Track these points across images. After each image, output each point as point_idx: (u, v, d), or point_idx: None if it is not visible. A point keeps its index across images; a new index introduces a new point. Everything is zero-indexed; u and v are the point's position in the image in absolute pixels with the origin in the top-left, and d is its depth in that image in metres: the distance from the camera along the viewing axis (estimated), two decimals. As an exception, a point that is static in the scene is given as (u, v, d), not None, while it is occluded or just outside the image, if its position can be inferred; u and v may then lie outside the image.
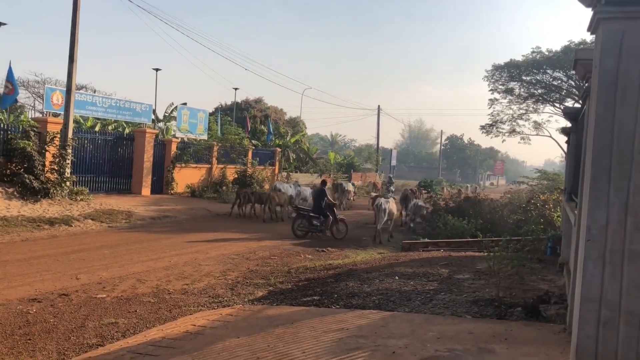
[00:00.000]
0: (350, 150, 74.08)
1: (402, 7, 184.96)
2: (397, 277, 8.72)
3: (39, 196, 15.95)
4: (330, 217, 15.36)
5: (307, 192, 21.45)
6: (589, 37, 28.52)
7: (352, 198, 26.24)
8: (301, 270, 9.99)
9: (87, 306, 7.18)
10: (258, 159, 29.66)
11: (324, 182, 17.10)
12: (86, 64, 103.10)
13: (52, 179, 16.54)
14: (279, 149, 33.35)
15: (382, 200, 16.52)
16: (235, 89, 39.92)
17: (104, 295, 7.76)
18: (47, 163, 16.69)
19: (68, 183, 17.20)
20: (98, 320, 6.60)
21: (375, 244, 14.91)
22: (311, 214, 15.31)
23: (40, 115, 26.04)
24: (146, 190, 22.24)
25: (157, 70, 33.57)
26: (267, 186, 29.08)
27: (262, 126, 37.75)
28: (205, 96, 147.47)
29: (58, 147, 17.08)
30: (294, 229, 15.20)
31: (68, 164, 17.42)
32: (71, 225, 14.28)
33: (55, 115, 19.65)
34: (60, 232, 13.54)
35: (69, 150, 17.53)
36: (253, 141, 33.36)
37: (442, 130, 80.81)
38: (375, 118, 52.95)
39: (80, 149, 19.82)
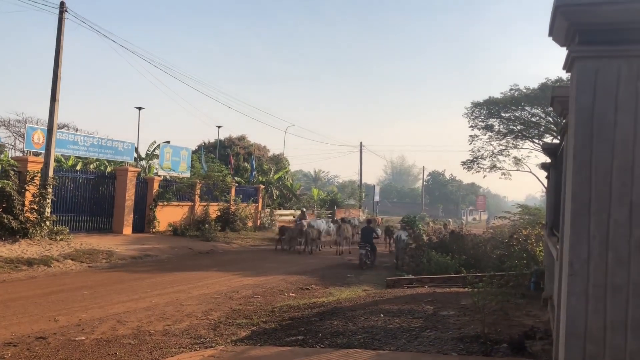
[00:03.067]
0: (333, 186, 74.16)
1: (384, 47, 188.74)
2: (382, 315, 8.65)
3: (18, 236, 15.69)
4: (376, 250, 19.15)
5: (332, 227, 25.31)
6: (565, 75, 29.26)
7: (358, 232, 26.18)
8: (285, 309, 9.86)
9: (65, 349, 6.99)
10: (241, 196, 29.59)
11: (369, 220, 21.01)
12: (68, 102, 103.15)
13: (32, 219, 16.30)
14: (262, 186, 33.31)
15: (402, 232, 19.82)
16: (219, 126, 40.12)
17: (83, 338, 7.57)
18: (26, 202, 16.47)
19: (48, 223, 16.96)
20: (76, 363, 6.42)
21: (399, 269, 17.17)
22: (368, 248, 18.33)
23: (21, 155, 25.83)
24: (127, 229, 21.99)
25: (139, 108, 33.57)
26: (250, 223, 28.98)
27: (246, 163, 37.76)
28: (188, 134, 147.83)
29: (38, 186, 16.89)
30: (361, 262, 18.05)
31: (48, 203, 17.21)
32: (50, 266, 14.01)
33: (36, 154, 19.51)
34: (39, 273, 13.26)
35: (49, 190, 17.34)
36: (236, 178, 33.30)
37: (423, 166, 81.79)
38: (358, 154, 53.38)
39: (61, 188, 19.65)
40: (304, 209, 24.41)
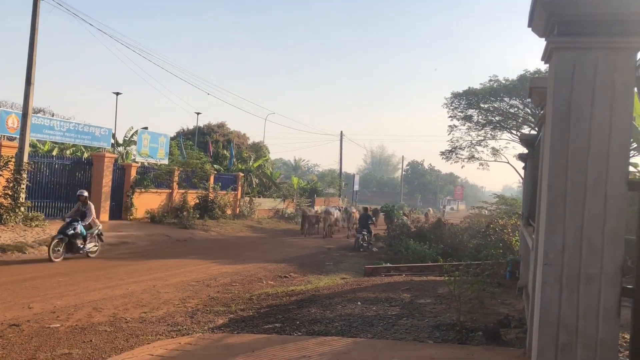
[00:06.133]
0: (313, 175, 74.13)
1: (365, 37, 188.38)
2: (359, 303, 8.69)
3: (-9, 222, 15.43)
4: (372, 234, 21.10)
5: (341, 214, 28.11)
6: (544, 67, 29.54)
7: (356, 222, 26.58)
8: (263, 297, 9.86)
9: (39, 336, 6.90)
10: (220, 183, 29.42)
11: (366, 209, 23.47)
12: (44, 87, 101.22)
13: (6, 205, 16.03)
14: (241, 174, 33.16)
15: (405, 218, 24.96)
16: (198, 113, 39.71)
17: (58, 325, 7.48)
18: (0, 188, 16.17)
19: (22, 208, 16.69)
20: (50, 351, 6.35)
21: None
22: (364, 233, 20.42)
23: (-6, 139, 25.34)
24: (104, 216, 21.75)
25: (117, 94, 33.19)
26: (229, 211, 28.87)
27: (225, 151, 37.50)
28: (166, 120, 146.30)
29: (13, 171, 16.60)
30: (357, 245, 20.23)
31: (23, 189, 16.93)
32: (25, 252, 13.81)
33: (11, 139, 19.14)
34: (12, 260, 13.06)
35: (24, 175, 17.06)
36: (215, 166, 33.08)
37: (403, 156, 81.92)
38: (338, 143, 53.39)
39: (37, 174, 19.34)
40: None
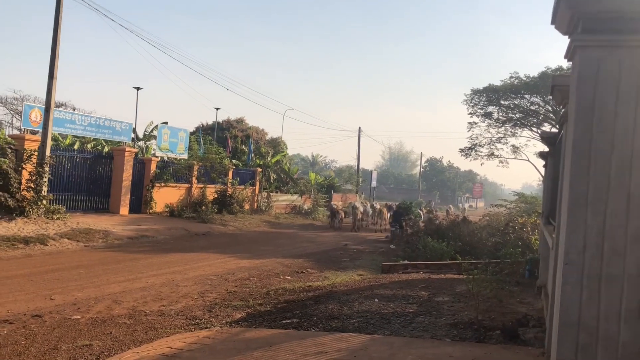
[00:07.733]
0: (331, 171, 74.02)
1: (383, 31, 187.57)
2: (376, 300, 8.68)
3: (14, 214, 15.67)
4: (404, 227, 22.59)
5: (370, 209, 30.34)
6: (566, 64, 29.14)
7: (387, 218, 28.80)
8: (280, 292, 9.89)
9: (60, 327, 7.02)
10: (238, 178, 29.54)
11: (399, 206, 25.22)
12: (66, 81, 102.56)
13: (29, 197, 16.27)
14: (259, 169, 33.25)
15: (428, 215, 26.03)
16: (217, 108, 40.01)
17: (79, 317, 7.59)
18: (23, 181, 16.42)
19: (44, 201, 16.93)
20: (72, 342, 6.45)
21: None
22: (397, 226, 22.55)
23: (18, 133, 25.71)
24: (124, 210, 21.99)
25: (138, 88, 33.40)
26: (247, 206, 29.00)
27: (243, 146, 37.60)
28: (186, 115, 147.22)
29: (35, 164, 16.84)
30: (393, 237, 22.20)
31: (45, 182, 17.17)
32: (47, 245, 14.02)
33: (34, 132, 19.43)
34: (35, 252, 13.27)
35: (46, 168, 17.30)
36: (234, 161, 33.20)
37: (421, 153, 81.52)
38: (356, 139, 53.24)
39: (58, 167, 19.60)
40: None
